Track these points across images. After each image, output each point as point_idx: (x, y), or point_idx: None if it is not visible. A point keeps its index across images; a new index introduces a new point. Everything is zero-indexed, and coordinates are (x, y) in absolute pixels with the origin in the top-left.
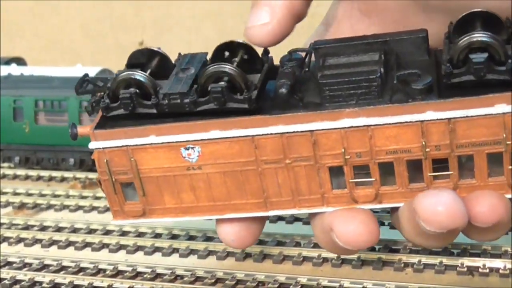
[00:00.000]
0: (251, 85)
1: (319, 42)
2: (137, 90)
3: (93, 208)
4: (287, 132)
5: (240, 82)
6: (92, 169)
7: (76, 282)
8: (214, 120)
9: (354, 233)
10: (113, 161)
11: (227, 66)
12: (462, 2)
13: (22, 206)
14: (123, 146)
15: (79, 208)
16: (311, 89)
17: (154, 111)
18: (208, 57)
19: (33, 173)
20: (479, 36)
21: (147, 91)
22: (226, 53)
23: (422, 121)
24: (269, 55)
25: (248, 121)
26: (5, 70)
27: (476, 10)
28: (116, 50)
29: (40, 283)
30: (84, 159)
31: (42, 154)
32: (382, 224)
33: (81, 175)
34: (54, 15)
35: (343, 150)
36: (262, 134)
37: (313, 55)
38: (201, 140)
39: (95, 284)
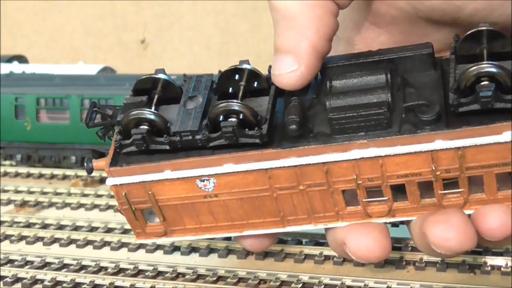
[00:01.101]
0: (261, 119)
1: (325, 60)
2: (149, 127)
3: (95, 206)
4: (299, 165)
5: (250, 117)
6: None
7: (77, 280)
8: (227, 155)
9: (367, 249)
10: (131, 193)
11: (236, 104)
12: (468, 16)
13: (23, 204)
14: (139, 182)
15: (80, 206)
16: (320, 116)
17: (167, 147)
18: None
19: (34, 171)
20: (487, 66)
21: (158, 127)
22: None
23: (431, 150)
24: None
25: (261, 155)
26: (7, 68)
27: (482, 28)
28: (117, 48)
29: (42, 281)
30: (86, 157)
31: (43, 152)
32: None
33: (83, 173)
34: (55, 13)
35: (355, 176)
36: (275, 167)
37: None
38: (216, 173)
39: (97, 282)
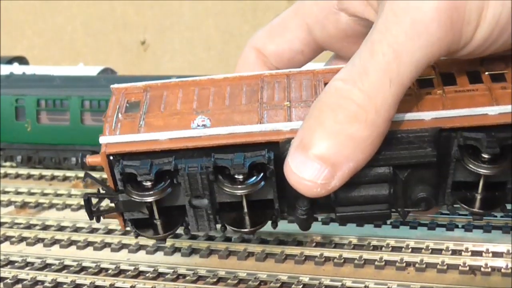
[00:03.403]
0: (275, 218)
1: None
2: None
3: None
4: None
5: (264, 225)
6: (94, 168)
7: (78, 281)
8: None
9: None
10: None
11: (250, 230)
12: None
13: (24, 205)
14: None
15: (81, 207)
16: (326, 202)
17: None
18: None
19: (35, 172)
20: (479, 212)
21: None
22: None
23: None
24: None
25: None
26: (7, 69)
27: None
28: (118, 49)
29: (42, 282)
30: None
31: (44, 153)
32: (384, 223)
33: (83, 174)
34: (55, 14)
35: None
36: None
37: None
38: None
39: (97, 283)
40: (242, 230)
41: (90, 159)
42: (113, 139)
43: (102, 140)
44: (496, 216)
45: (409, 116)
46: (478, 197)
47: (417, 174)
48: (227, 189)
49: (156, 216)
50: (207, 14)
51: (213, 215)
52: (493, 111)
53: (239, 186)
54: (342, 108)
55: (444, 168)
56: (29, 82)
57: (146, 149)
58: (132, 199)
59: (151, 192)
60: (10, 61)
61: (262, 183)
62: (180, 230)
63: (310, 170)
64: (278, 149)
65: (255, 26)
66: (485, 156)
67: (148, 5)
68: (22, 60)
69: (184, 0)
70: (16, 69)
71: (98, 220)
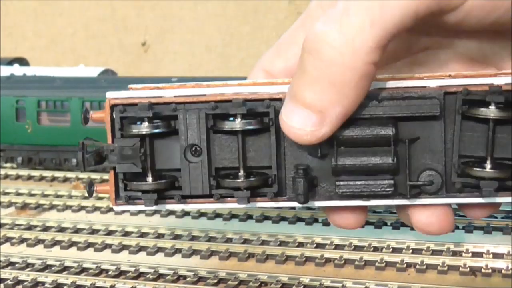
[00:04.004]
0: (271, 182)
1: None
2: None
3: (96, 209)
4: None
5: (259, 184)
6: (94, 170)
7: (78, 283)
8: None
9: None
10: None
11: (243, 182)
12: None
13: (24, 206)
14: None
15: (81, 208)
16: (323, 168)
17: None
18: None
19: (35, 173)
20: (490, 172)
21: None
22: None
23: None
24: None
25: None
26: (8, 71)
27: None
28: (118, 50)
29: (43, 283)
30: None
31: (44, 154)
32: (384, 224)
33: (83, 175)
34: (56, 16)
35: None
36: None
37: None
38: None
39: (98, 284)
40: (238, 192)
41: (94, 115)
42: (119, 94)
43: (109, 95)
44: (496, 217)
45: (413, 83)
46: (489, 166)
47: (422, 139)
48: (224, 126)
49: (149, 173)
50: (207, 15)
51: (208, 176)
52: (499, 81)
53: (237, 121)
54: (319, 52)
55: (450, 135)
56: (30, 83)
57: (150, 101)
58: (128, 133)
59: (147, 125)
60: (10, 62)
61: (261, 125)
62: (180, 231)
63: (299, 118)
64: (281, 107)
65: (256, 27)
66: (491, 107)
67: (149, 7)
68: (22, 61)
69: (185, 1)
70: (17, 70)
71: (90, 194)
